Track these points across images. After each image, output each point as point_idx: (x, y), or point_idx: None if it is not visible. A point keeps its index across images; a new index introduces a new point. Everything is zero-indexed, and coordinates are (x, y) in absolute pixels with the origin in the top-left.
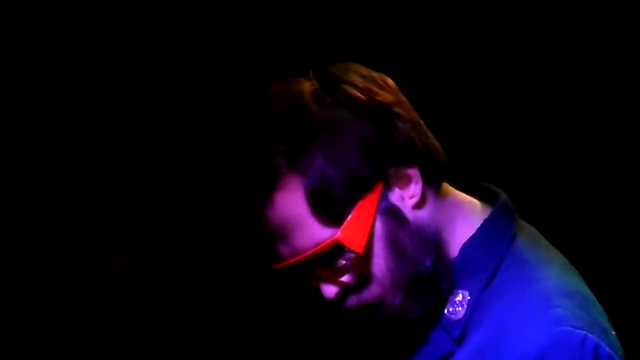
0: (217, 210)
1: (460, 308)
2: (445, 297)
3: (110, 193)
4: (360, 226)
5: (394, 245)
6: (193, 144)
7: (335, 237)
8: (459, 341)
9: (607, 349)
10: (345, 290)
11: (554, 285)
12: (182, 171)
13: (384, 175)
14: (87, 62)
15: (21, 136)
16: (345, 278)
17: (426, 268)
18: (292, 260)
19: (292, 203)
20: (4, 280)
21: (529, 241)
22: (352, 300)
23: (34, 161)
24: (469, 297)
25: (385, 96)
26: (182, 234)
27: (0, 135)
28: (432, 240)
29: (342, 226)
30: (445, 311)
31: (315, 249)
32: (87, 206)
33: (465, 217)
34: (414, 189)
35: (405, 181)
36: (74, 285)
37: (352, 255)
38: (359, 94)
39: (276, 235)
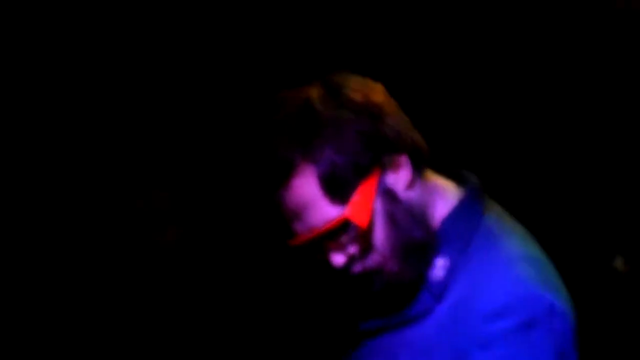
0: (245, 196)
1: (440, 272)
2: (430, 263)
3: (162, 180)
4: (364, 204)
5: (391, 220)
6: (227, 143)
7: (344, 214)
8: (438, 298)
9: (561, 305)
10: (351, 259)
11: (516, 252)
12: (219, 165)
13: (380, 162)
14: (136, 63)
15: (92, 131)
16: (351, 249)
17: (417, 239)
18: (308, 236)
19: (307, 187)
20: (68, 250)
21: (496, 216)
22: (357, 268)
23: (103, 153)
24: (448, 263)
25: (377, 98)
26: (218, 215)
27: (69, 127)
28: (420, 216)
29: (349, 205)
30: (429, 274)
31: (327, 225)
32: (143, 190)
33: (443, 197)
34: (405, 174)
35: (398, 167)
36: (132, 255)
37: (357, 229)
38: (356, 97)
39: (293, 215)
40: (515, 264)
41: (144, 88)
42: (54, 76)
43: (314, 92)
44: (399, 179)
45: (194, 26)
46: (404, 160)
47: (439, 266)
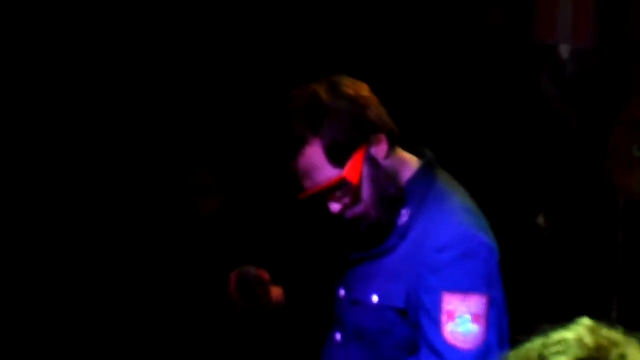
0: (271, 165)
1: (404, 218)
2: (398, 213)
3: (207, 160)
4: (355, 168)
5: (374, 180)
6: (254, 128)
7: (341, 174)
8: (402, 237)
9: (490, 242)
10: (345, 207)
11: (458, 205)
12: (249, 145)
13: (367, 138)
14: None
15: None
16: (345, 200)
17: (392, 194)
18: (315, 190)
19: (315, 155)
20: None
21: (444, 180)
22: (349, 214)
23: (161, 139)
24: (410, 212)
25: (364, 93)
26: (249, 187)
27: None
28: (393, 178)
29: (345, 168)
30: (397, 220)
31: (329, 182)
32: (192, 168)
33: (408, 166)
34: (384, 148)
35: (379, 143)
36: (180, 220)
37: (350, 185)
38: (350, 91)
39: (304, 175)
40: (457, 213)
41: (196, 97)
42: (111, 67)
43: (319, 88)
44: (380, 151)
45: (236, 42)
46: (383, 138)
47: (404, 214)
